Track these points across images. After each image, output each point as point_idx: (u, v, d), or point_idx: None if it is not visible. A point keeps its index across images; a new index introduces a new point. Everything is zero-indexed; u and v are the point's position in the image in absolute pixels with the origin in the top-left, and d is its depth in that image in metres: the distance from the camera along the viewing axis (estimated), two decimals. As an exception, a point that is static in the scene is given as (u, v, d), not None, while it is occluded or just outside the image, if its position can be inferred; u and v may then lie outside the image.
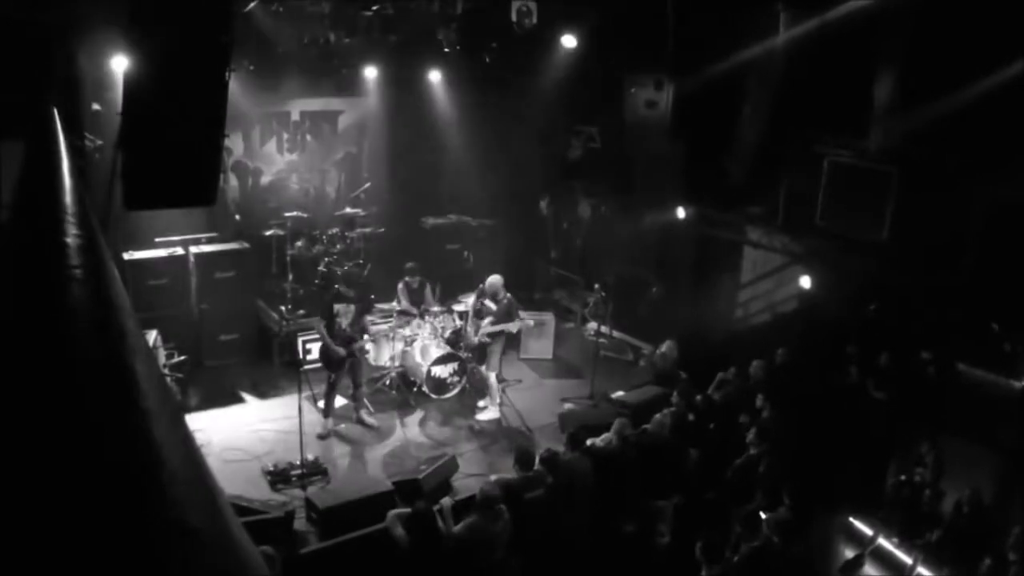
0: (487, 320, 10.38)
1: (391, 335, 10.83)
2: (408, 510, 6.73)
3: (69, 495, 1.66)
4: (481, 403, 10.75)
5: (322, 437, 9.71)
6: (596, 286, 13.09)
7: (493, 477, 7.97)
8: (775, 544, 6.74)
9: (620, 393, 10.69)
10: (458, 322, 11.25)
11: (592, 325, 13.03)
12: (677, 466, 8.34)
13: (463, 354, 10.89)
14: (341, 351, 9.59)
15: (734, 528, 7.05)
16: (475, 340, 10.55)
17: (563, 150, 14.63)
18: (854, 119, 10.42)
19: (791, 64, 10.92)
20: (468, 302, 11.18)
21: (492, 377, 10.63)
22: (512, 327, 10.41)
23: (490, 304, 10.45)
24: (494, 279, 10.48)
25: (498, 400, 10.67)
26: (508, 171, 14.16)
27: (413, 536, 6.46)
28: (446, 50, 12.84)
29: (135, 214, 10.43)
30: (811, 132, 11.01)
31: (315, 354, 11.17)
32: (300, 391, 8.95)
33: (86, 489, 1.68)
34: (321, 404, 10.11)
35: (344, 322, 9.67)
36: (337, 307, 9.69)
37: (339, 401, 10.51)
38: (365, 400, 10.25)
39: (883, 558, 8.20)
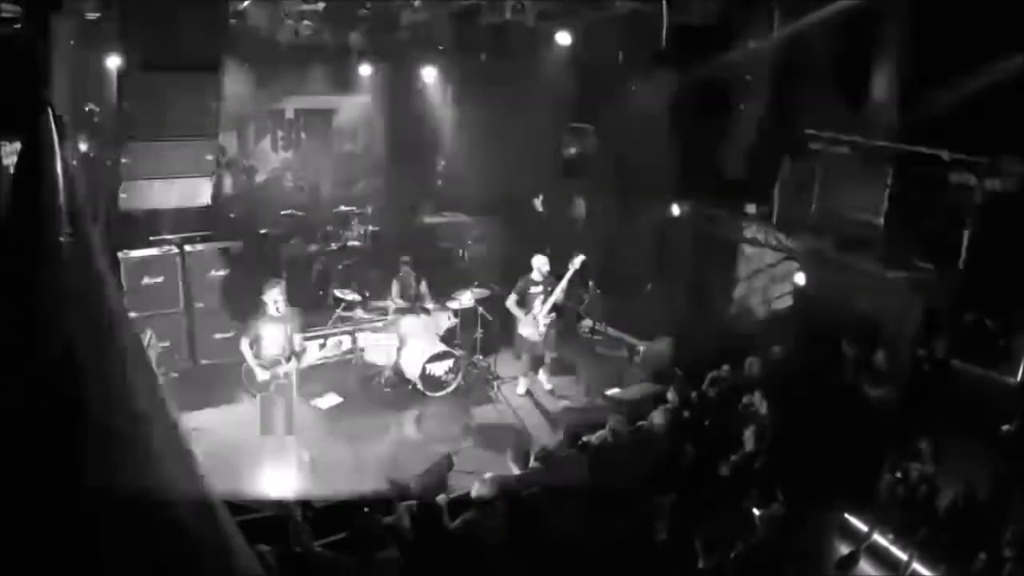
0: (538, 303, 10.53)
1: (386, 332, 10.82)
2: (415, 503, 6.76)
3: (62, 496, 1.66)
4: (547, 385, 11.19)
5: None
6: (591, 283, 13.11)
7: (489, 474, 7.97)
8: (770, 540, 6.75)
9: (615, 390, 10.69)
10: (453, 319, 11.25)
11: (587, 322, 13.04)
12: (672, 463, 8.34)
13: (458, 351, 10.89)
14: (264, 374, 8.78)
15: (730, 525, 7.06)
16: (541, 332, 10.65)
17: (558, 148, 14.64)
18: (850, 115, 10.44)
19: (787, 59, 10.94)
20: (510, 302, 10.80)
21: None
22: (559, 294, 10.60)
23: (535, 288, 10.58)
24: (541, 257, 10.66)
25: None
26: (503, 169, 14.16)
27: (418, 529, 6.47)
28: (441, 48, 12.84)
29: (129, 213, 10.44)
30: (807, 128, 11.03)
31: (311, 352, 11.19)
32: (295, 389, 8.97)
33: (79, 490, 1.68)
34: (315, 403, 10.13)
35: (268, 344, 8.77)
36: (261, 329, 8.77)
37: (334, 400, 10.52)
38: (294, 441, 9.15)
39: (878, 554, 8.21)
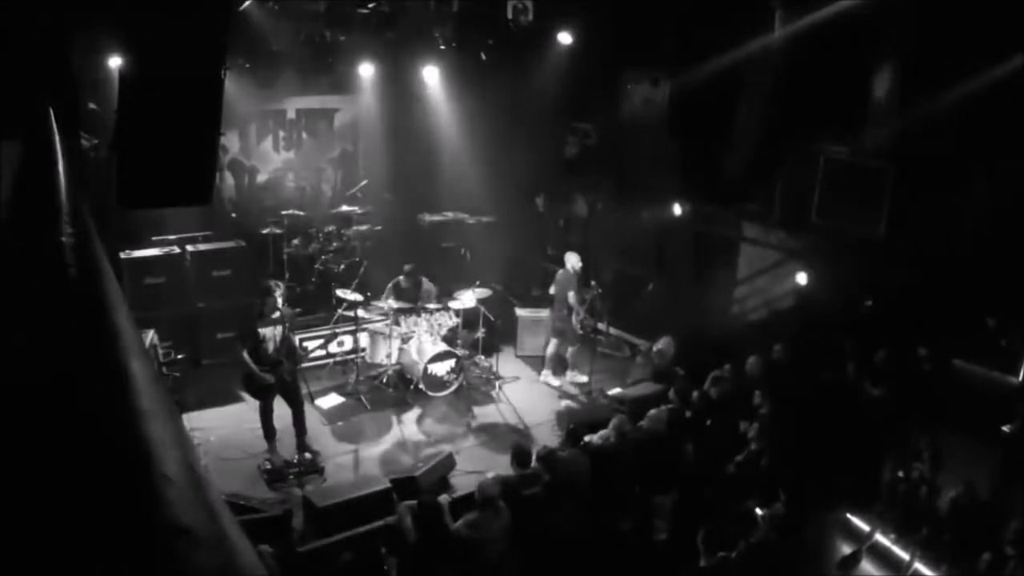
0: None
1: (388, 333, 10.82)
2: (416, 502, 6.77)
3: (64, 494, 1.66)
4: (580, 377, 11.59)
5: (270, 463, 8.95)
6: (593, 283, 13.10)
7: (491, 474, 7.97)
8: (772, 540, 6.75)
9: (617, 390, 10.69)
10: (455, 319, 11.25)
11: (588, 321, 13.02)
12: (674, 462, 8.34)
13: (460, 351, 10.89)
14: (268, 378, 8.71)
15: (731, 524, 7.06)
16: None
17: (560, 147, 14.63)
18: (850, 116, 10.44)
19: (787, 61, 10.93)
20: (571, 298, 11.29)
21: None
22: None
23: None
24: (575, 254, 11.36)
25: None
26: (505, 168, 14.15)
27: (420, 529, 6.48)
28: (442, 47, 12.83)
29: (131, 213, 10.42)
30: (807, 129, 11.02)
31: (313, 351, 11.19)
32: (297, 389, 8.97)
33: (81, 488, 1.68)
34: (317, 403, 10.15)
35: (271, 346, 8.76)
36: (263, 331, 8.74)
37: (336, 400, 10.52)
38: (307, 439, 9.23)
39: (880, 554, 8.21)
